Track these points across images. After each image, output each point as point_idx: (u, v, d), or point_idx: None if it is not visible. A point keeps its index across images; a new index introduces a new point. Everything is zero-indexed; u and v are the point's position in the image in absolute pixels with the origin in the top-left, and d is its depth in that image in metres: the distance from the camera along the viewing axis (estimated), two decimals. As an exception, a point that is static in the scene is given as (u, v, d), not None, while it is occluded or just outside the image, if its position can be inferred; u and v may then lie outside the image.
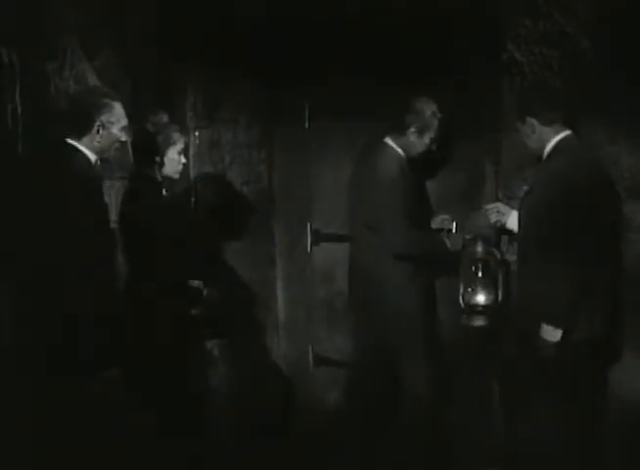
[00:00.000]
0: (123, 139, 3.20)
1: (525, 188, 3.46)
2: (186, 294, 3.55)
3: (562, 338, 3.14)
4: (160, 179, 3.51)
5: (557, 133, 3.27)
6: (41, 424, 3.05)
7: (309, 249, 4.68)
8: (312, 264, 4.69)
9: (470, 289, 3.73)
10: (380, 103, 4.17)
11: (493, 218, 3.61)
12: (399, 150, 3.85)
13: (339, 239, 4.48)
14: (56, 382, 3.02)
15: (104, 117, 3.11)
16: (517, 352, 3.43)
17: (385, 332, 3.84)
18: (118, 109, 3.16)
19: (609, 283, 3.23)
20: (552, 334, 3.15)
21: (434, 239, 3.87)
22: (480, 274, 3.72)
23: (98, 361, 3.05)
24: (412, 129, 3.81)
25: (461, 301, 3.73)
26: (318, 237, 4.64)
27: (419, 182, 3.97)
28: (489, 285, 3.71)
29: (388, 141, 3.87)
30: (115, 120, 3.14)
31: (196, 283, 3.62)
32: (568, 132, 3.28)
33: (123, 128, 3.18)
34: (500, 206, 3.62)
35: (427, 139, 3.82)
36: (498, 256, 3.74)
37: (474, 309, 3.71)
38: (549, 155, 3.28)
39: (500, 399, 3.76)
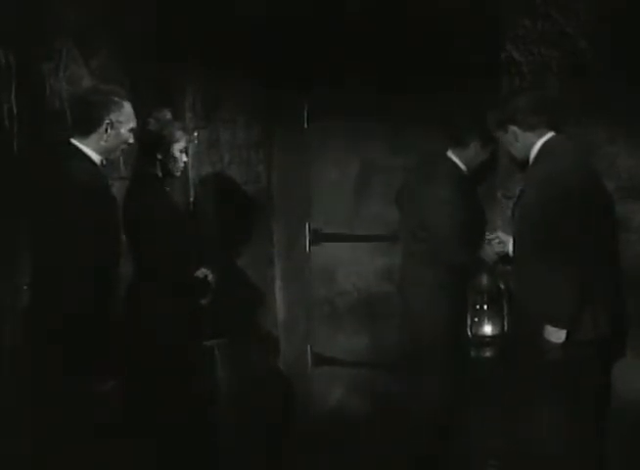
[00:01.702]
0: (131, 141, 3.18)
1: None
2: (188, 294, 3.55)
3: (567, 338, 3.13)
4: (161, 176, 3.50)
5: (540, 136, 3.25)
6: (41, 424, 3.04)
7: (308, 248, 4.68)
8: (311, 264, 4.70)
9: (477, 320, 3.75)
10: (380, 103, 4.18)
11: (497, 249, 3.62)
12: (461, 164, 3.93)
13: (340, 239, 4.50)
14: (56, 383, 3.01)
15: (113, 116, 3.09)
16: (520, 355, 3.44)
17: (412, 334, 3.96)
18: (128, 108, 3.14)
19: (611, 283, 3.23)
20: (556, 335, 3.14)
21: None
22: (485, 305, 3.74)
23: (99, 362, 3.04)
24: (475, 142, 3.87)
25: (469, 332, 3.74)
26: (319, 237, 4.65)
27: (475, 194, 4.01)
28: (496, 315, 3.72)
29: (451, 155, 3.94)
30: (125, 120, 3.12)
31: (202, 272, 3.61)
32: (551, 134, 3.26)
33: (132, 130, 3.16)
34: (500, 234, 3.62)
35: (488, 151, 3.86)
36: (502, 285, 3.74)
37: (482, 340, 3.71)
38: (536, 159, 3.27)
39: (502, 398, 3.76)
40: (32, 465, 3.09)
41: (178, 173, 3.57)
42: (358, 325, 4.59)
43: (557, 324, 3.14)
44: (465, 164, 3.94)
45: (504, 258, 3.64)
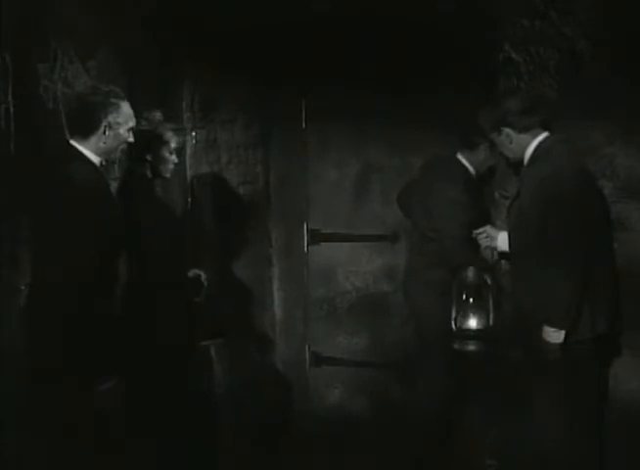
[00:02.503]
0: (130, 140, 3.17)
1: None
2: (180, 293, 3.54)
3: (565, 339, 3.14)
4: (150, 177, 3.49)
5: (535, 137, 3.26)
6: (42, 424, 3.04)
7: (306, 249, 4.69)
8: (309, 264, 4.70)
9: (461, 313, 3.75)
10: (378, 103, 4.19)
11: (484, 243, 3.63)
12: (470, 166, 3.99)
13: (338, 239, 4.50)
14: (55, 383, 3.01)
15: (111, 117, 3.07)
16: (517, 354, 3.44)
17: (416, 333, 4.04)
18: (126, 108, 3.11)
19: (607, 283, 3.24)
20: (554, 335, 3.15)
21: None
22: (471, 299, 3.74)
23: (99, 361, 3.04)
24: (484, 145, 3.90)
25: (453, 325, 3.74)
26: (317, 237, 4.65)
27: (482, 196, 4.04)
28: (481, 309, 3.73)
29: (460, 158, 4.00)
30: (123, 121, 3.09)
31: (194, 272, 3.61)
32: (545, 134, 3.27)
33: (130, 129, 3.14)
34: (489, 229, 3.61)
35: (496, 154, 3.88)
36: (489, 280, 3.75)
37: (466, 334, 3.72)
38: (530, 159, 3.27)
39: (501, 397, 3.77)
40: (32, 464, 3.09)
41: (168, 175, 3.55)
42: (357, 325, 4.60)
43: (555, 325, 3.15)
44: (474, 167, 4.00)
45: (501, 255, 3.65)
